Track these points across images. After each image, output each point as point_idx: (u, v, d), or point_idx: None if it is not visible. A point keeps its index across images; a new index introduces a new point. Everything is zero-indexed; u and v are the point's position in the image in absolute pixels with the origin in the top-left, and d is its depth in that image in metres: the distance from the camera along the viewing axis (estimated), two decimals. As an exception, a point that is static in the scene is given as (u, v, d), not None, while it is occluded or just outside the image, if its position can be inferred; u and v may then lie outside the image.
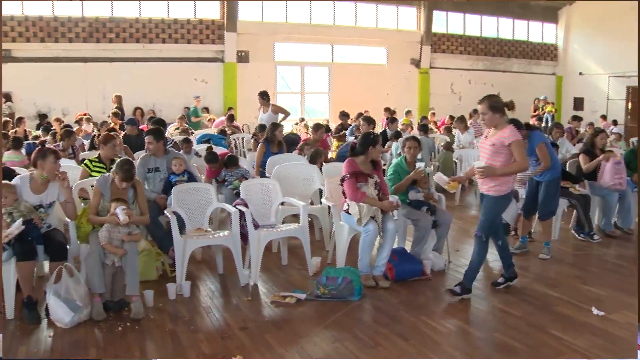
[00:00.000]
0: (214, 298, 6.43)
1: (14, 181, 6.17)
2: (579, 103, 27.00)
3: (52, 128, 13.78)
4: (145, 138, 7.92)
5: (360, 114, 15.82)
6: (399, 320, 5.74)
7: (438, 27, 25.24)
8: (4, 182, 6.12)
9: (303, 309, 6.11)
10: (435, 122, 19.28)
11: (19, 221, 5.77)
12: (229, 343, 5.27)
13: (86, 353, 5.13)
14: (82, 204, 6.92)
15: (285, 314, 5.99)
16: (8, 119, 15.28)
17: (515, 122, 6.81)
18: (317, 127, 11.03)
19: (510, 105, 6.29)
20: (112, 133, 8.82)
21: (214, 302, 6.30)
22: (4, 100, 17.99)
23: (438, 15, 25.13)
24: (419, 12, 24.52)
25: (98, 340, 5.41)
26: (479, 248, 6.35)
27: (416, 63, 24.71)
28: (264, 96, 13.48)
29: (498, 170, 6.08)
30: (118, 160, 6.56)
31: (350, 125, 15.03)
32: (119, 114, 16.00)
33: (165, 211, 7.08)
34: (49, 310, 5.76)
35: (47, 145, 6.49)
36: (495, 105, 6.14)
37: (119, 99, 18.16)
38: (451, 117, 18.37)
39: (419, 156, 7.82)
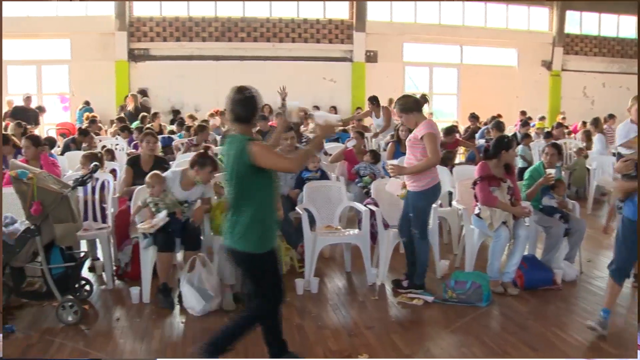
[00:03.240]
0: (341, 295, 6.49)
1: (166, 174, 6.45)
2: None
3: (186, 124, 14.29)
4: (288, 133, 8.01)
5: (494, 117, 15.50)
6: (527, 329, 5.59)
7: (571, 27, 24.26)
8: (155, 172, 6.43)
9: (430, 311, 6.07)
10: (566, 127, 18.58)
11: (164, 213, 6.03)
12: (355, 341, 5.30)
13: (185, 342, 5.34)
14: (216, 198, 7.13)
15: (412, 315, 5.98)
16: (145, 113, 15.99)
17: None
18: (449, 131, 10.95)
19: (423, 101, 6.19)
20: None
21: (341, 300, 6.36)
22: (141, 96, 18.84)
23: (571, 15, 24.10)
24: (551, 12, 23.72)
25: (228, 330, 5.58)
26: (420, 246, 6.37)
27: (547, 65, 23.92)
28: (374, 101, 13.46)
29: (407, 169, 6.17)
30: None
31: (480, 127, 14.77)
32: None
33: (296, 207, 7.21)
34: (182, 297, 6.00)
35: (208, 153, 6.65)
36: (405, 107, 6.23)
37: (135, 98, 17.92)
38: (584, 123, 17.67)
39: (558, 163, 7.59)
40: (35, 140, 8.01)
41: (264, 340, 4.63)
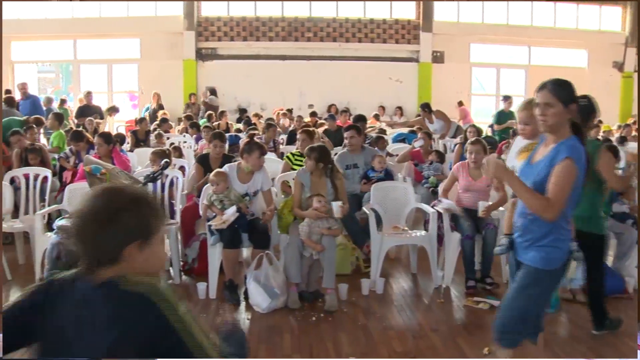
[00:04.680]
0: (406, 297, 6.45)
1: (224, 169, 6.54)
2: None
3: (253, 122, 14.44)
4: (348, 132, 8.07)
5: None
6: (596, 338, 5.41)
7: (645, 26, 23.59)
8: (218, 170, 6.52)
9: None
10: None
11: (234, 208, 6.11)
12: (420, 343, 5.26)
13: (281, 338, 5.34)
14: (283, 196, 7.18)
15: (478, 319, 5.88)
16: (212, 112, 16.22)
17: None
18: (515, 132, 10.78)
19: None
20: (309, 129, 9.11)
21: (406, 301, 6.32)
22: (208, 93, 19.11)
23: (646, 14, 23.45)
24: (623, 11, 22.99)
25: (293, 327, 5.62)
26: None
27: (619, 66, 23.23)
28: (426, 108, 13.34)
29: None
30: None
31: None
32: (317, 113, 16.28)
33: (363, 207, 7.21)
34: (247, 294, 6.06)
35: (255, 139, 6.77)
36: None
37: (158, 97, 18.19)
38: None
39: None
40: (107, 138, 8.20)
41: (588, 308, 5.45)
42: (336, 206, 6.10)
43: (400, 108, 20.19)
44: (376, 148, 9.39)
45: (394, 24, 20.92)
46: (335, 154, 7.87)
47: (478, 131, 10.36)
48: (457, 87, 18.45)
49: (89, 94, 16.44)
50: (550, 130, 3.67)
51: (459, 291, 6.58)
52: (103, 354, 1.99)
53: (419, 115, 15.08)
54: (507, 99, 14.05)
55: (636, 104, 22.83)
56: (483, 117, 19.66)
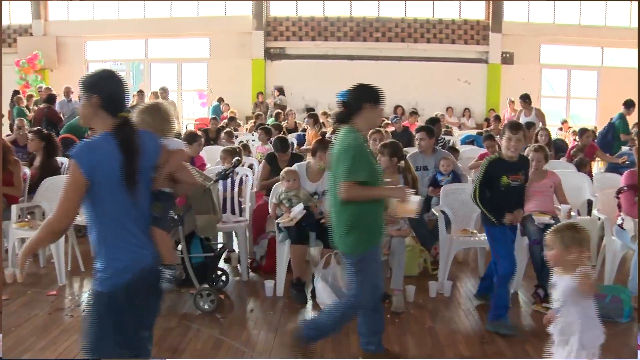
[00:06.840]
0: (474, 300, 6.36)
1: (294, 168, 6.59)
2: None
3: (321, 122, 14.48)
4: (418, 134, 8.04)
5: (636, 124, 14.78)
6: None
7: None
8: (289, 168, 6.58)
9: (566, 323, 5.86)
10: None
11: (301, 205, 6.15)
12: (487, 348, 5.20)
13: (347, 338, 5.33)
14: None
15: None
16: (280, 110, 16.32)
17: None
18: (583, 131, 10.51)
19: None
20: (380, 129, 9.10)
21: (473, 305, 6.24)
22: (277, 93, 19.26)
23: None
24: None
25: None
26: None
27: (698, 69, 22.45)
28: (526, 99, 13.15)
29: None
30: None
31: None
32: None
33: (432, 209, 7.17)
34: (315, 293, 6.08)
35: (326, 139, 6.78)
36: None
37: (156, 95, 17.13)
38: None
39: None
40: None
41: None
42: (417, 200, 6.07)
43: (468, 109, 20.00)
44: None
45: (462, 24, 20.70)
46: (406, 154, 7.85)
47: (549, 135, 10.14)
48: (526, 89, 17.82)
49: (140, 93, 16.32)
50: (84, 123, 3.26)
51: (528, 297, 6.46)
52: None
53: (487, 119, 14.86)
54: (632, 105, 12.21)
55: None
56: (552, 120, 19.28)
